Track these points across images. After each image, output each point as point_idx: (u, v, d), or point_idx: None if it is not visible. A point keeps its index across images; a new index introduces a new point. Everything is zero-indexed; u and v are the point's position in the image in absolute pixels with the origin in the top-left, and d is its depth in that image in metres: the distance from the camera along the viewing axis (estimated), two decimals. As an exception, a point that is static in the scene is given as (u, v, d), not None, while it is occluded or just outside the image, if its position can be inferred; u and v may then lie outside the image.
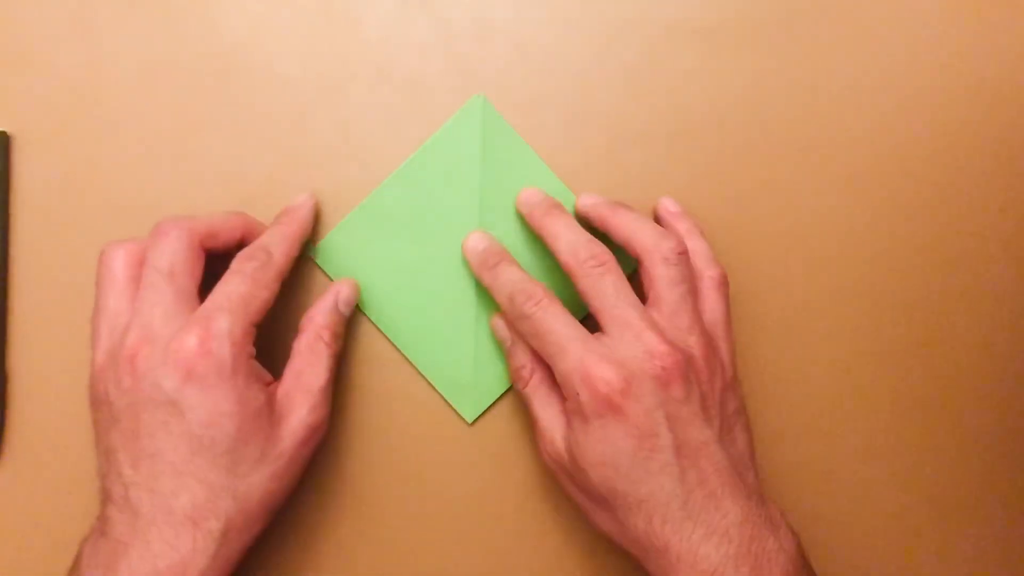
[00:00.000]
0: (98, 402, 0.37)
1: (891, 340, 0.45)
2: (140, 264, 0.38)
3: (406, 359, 0.44)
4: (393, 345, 0.44)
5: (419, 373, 0.44)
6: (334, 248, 0.44)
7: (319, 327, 0.40)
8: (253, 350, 0.37)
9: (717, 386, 0.38)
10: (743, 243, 0.45)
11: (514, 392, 0.44)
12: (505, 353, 0.43)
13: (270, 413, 0.37)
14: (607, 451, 0.36)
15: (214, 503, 0.35)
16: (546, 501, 0.44)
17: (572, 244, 0.39)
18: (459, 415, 0.44)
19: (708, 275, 0.41)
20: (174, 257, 0.37)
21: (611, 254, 0.39)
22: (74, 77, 0.44)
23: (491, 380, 0.44)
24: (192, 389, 0.35)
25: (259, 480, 0.36)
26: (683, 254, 0.39)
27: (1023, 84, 0.46)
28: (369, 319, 0.44)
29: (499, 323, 0.43)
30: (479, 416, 0.44)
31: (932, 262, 0.46)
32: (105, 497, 0.36)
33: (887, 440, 0.45)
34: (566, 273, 0.39)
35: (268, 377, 0.38)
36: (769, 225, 0.45)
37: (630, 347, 0.36)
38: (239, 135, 0.44)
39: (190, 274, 0.37)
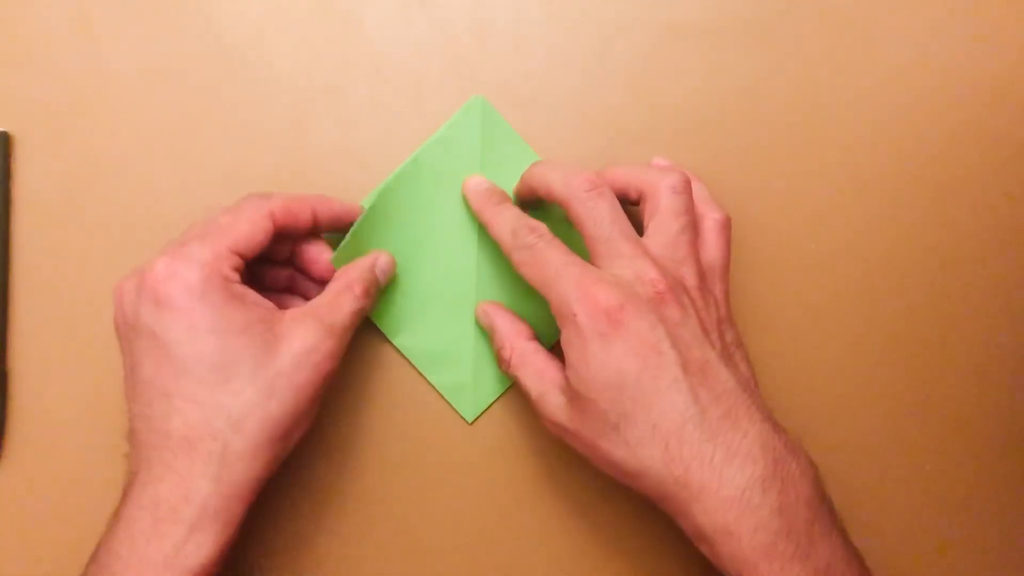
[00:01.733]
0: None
1: (891, 340, 0.45)
2: None
3: (406, 359, 0.44)
4: (393, 345, 0.44)
5: (419, 373, 0.44)
6: (333, 249, 0.44)
7: (352, 279, 0.39)
8: (235, 275, 0.36)
9: (712, 315, 0.38)
10: (742, 242, 0.45)
11: (514, 392, 0.44)
12: (490, 338, 0.43)
13: (264, 331, 0.36)
14: (612, 374, 0.34)
15: (208, 424, 0.34)
16: (546, 501, 0.44)
17: (565, 175, 0.39)
18: (459, 415, 0.44)
19: (712, 217, 0.41)
20: (237, 219, 0.37)
21: (603, 179, 0.38)
22: (74, 77, 0.44)
23: (491, 380, 0.44)
24: (164, 312, 0.35)
25: (254, 398, 0.35)
26: (688, 186, 0.39)
27: (1022, 83, 0.46)
28: (369, 319, 0.44)
29: (482, 309, 0.43)
30: (479, 416, 0.44)
31: (932, 262, 0.46)
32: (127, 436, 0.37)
33: (887, 440, 0.45)
34: (561, 205, 0.39)
35: (266, 303, 0.38)
36: (769, 225, 0.45)
37: (623, 273, 0.36)
38: (239, 135, 0.44)
39: (244, 239, 0.37)
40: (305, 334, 0.36)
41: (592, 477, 0.44)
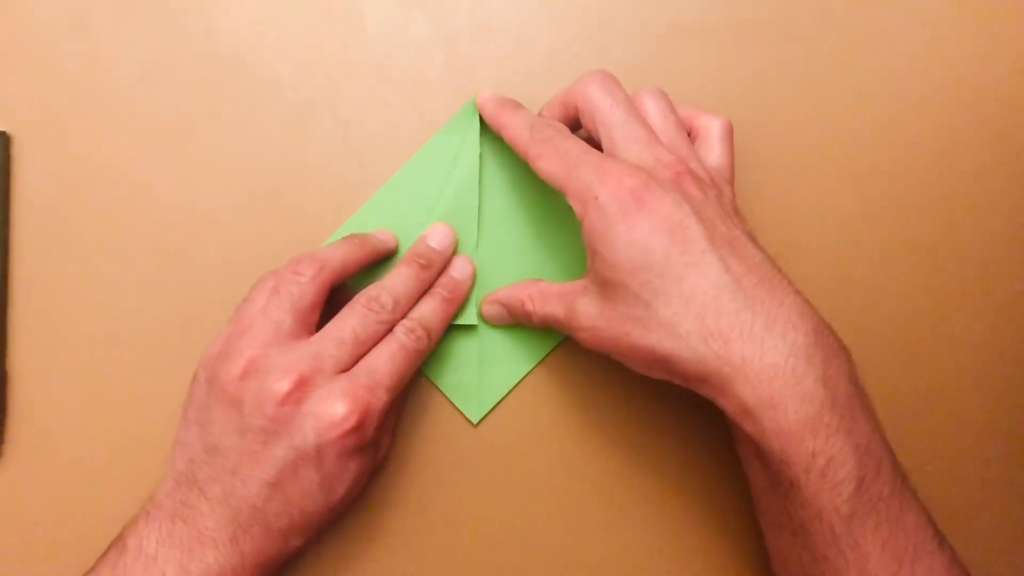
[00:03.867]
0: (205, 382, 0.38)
1: (891, 340, 0.45)
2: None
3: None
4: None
5: (424, 375, 0.44)
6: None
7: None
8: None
9: (727, 201, 0.37)
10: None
11: (519, 393, 0.44)
12: (509, 314, 0.43)
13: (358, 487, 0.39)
14: (639, 252, 0.34)
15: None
16: (552, 502, 0.43)
17: (578, 82, 0.39)
18: (464, 416, 0.44)
19: (716, 123, 0.40)
20: (303, 296, 0.38)
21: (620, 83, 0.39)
22: (74, 77, 0.44)
23: (496, 381, 0.44)
24: (333, 453, 0.36)
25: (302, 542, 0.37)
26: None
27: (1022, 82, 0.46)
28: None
29: (485, 301, 0.43)
30: (484, 417, 0.44)
31: (932, 262, 0.46)
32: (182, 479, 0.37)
33: (888, 439, 0.45)
34: (571, 101, 0.39)
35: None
36: (768, 224, 0.45)
37: (641, 157, 0.36)
38: (239, 135, 0.44)
39: (312, 310, 0.38)
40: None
41: (597, 477, 0.43)
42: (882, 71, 0.46)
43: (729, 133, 0.40)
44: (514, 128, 0.40)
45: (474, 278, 0.43)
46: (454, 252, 0.43)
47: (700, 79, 0.46)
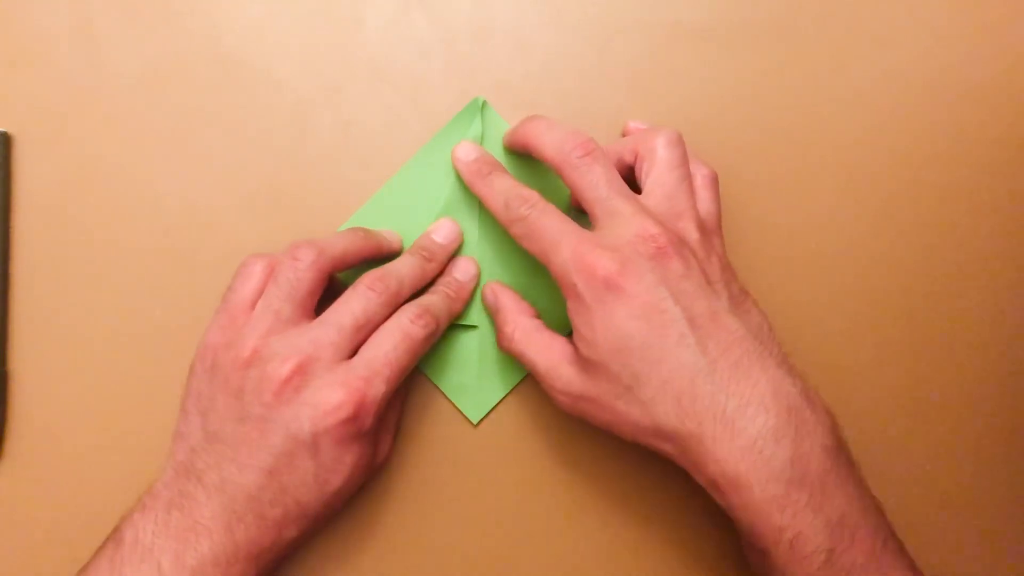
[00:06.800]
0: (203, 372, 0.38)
1: (891, 340, 0.45)
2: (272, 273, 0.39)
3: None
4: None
5: (424, 375, 0.44)
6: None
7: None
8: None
9: (715, 266, 0.37)
10: (742, 242, 0.45)
11: (519, 393, 0.44)
12: (493, 318, 0.43)
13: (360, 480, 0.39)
14: (618, 338, 0.35)
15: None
16: (552, 502, 0.43)
17: (558, 140, 0.38)
18: (464, 416, 0.44)
19: (700, 173, 0.41)
20: (301, 282, 0.38)
21: (596, 143, 0.38)
22: (74, 77, 0.44)
23: (496, 381, 0.44)
24: (329, 442, 0.36)
25: (301, 533, 0.37)
26: (681, 140, 0.39)
27: (1020, 82, 0.46)
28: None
29: (490, 288, 0.43)
30: (484, 417, 0.44)
31: (933, 261, 0.46)
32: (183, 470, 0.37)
33: (889, 439, 0.45)
34: (554, 170, 0.39)
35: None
36: (768, 225, 0.45)
37: (623, 233, 0.36)
38: (239, 135, 0.44)
39: (311, 296, 0.38)
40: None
41: (598, 477, 0.43)
42: (882, 71, 0.46)
43: (715, 182, 0.41)
44: (491, 202, 0.40)
45: (477, 279, 0.43)
46: (459, 249, 0.43)
47: (700, 80, 0.46)
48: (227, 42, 0.45)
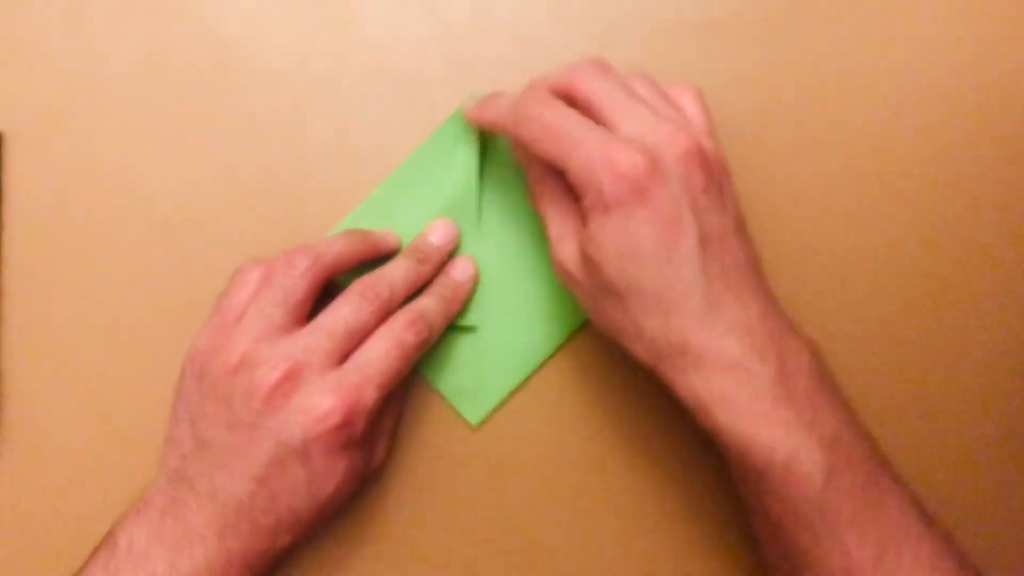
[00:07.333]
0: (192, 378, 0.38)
1: (891, 340, 0.45)
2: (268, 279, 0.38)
3: (409, 363, 0.43)
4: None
5: (423, 377, 0.43)
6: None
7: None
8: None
9: (730, 183, 0.37)
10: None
11: (519, 396, 0.44)
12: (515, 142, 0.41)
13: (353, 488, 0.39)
14: (626, 242, 0.34)
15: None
16: (552, 505, 0.43)
17: (571, 71, 0.37)
18: (463, 419, 0.43)
19: (687, 94, 0.39)
20: (295, 288, 0.38)
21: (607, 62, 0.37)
22: (66, 75, 0.44)
23: (495, 383, 0.43)
24: (320, 449, 0.35)
25: (294, 538, 0.37)
26: (649, 76, 0.39)
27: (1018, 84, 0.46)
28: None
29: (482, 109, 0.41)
30: (483, 420, 0.43)
31: (933, 261, 0.45)
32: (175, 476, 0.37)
33: (889, 440, 0.44)
34: (565, 88, 0.37)
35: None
36: (769, 224, 0.45)
37: (651, 133, 0.35)
38: (237, 134, 0.44)
39: (304, 303, 0.38)
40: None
41: (598, 480, 0.43)
42: (883, 68, 0.46)
43: (700, 96, 0.39)
44: (498, 116, 0.39)
45: (475, 280, 0.43)
46: (455, 249, 0.43)
47: (701, 75, 0.45)
48: (222, 39, 0.44)
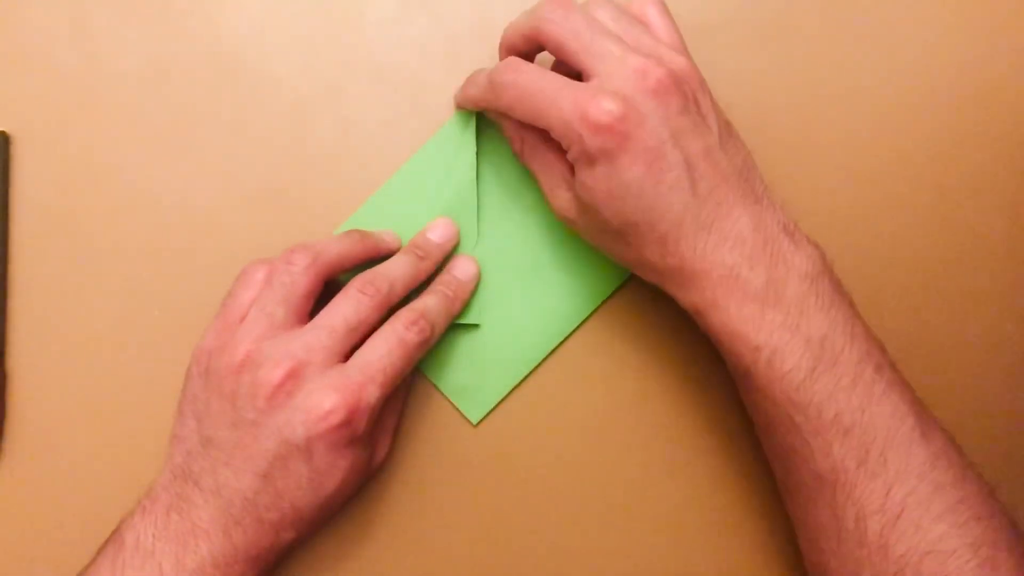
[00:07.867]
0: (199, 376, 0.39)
1: (892, 340, 0.44)
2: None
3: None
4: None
5: (423, 375, 0.43)
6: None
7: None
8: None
9: (707, 94, 0.38)
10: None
11: (519, 393, 0.44)
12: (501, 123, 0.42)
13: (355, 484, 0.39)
14: (615, 185, 0.35)
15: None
16: (552, 503, 0.43)
17: (532, 13, 0.38)
18: (464, 417, 0.43)
19: (649, 5, 0.39)
20: (295, 286, 0.38)
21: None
22: (73, 77, 0.44)
23: (496, 381, 0.44)
24: (322, 447, 0.36)
25: (298, 535, 0.38)
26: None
27: (1017, 87, 0.46)
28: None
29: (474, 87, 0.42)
30: (484, 417, 0.43)
31: (933, 261, 0.45)
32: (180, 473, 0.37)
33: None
34: (533, 38, 0.38)
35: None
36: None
37: (618, 73, 0.35)
38: (239, 135, 0.44)
39: (305, 300, 0.39)
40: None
41: (598, 478, 0.43)
42: (883, 70, 0.46)
43: (664, 8, 0.40)
44: (478, 93, 0.40)
45: (477, 279, 0.43)
46: (455, 248, 0.43)
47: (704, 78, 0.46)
48: (226, 41, 0.45)
